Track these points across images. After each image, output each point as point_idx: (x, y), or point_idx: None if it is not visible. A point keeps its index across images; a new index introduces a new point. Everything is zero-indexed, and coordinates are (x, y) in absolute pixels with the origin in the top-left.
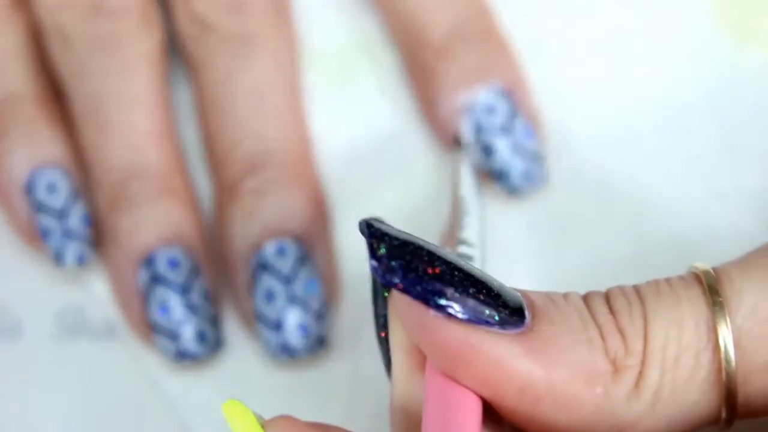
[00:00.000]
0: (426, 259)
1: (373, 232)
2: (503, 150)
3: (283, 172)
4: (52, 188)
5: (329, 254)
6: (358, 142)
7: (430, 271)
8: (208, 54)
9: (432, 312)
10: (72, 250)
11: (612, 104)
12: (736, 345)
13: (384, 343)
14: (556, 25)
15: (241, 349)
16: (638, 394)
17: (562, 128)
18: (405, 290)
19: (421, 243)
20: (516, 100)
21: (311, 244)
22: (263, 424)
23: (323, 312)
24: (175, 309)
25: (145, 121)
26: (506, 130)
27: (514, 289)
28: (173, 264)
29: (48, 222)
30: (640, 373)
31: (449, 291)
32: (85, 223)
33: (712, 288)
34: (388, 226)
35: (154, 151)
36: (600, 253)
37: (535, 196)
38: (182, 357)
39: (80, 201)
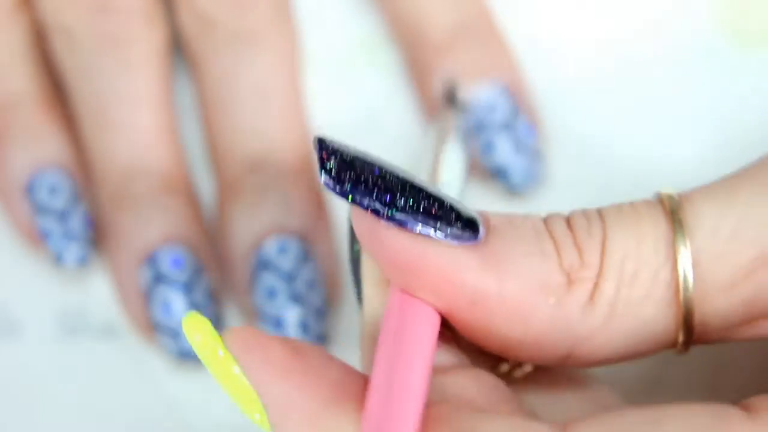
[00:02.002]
0: (377, 172)
1: (324, 146)
2: (504, 148)
3: (284, 170)
4: (53, 190)
5: (330, 252)
6: (359, 140)
7: (380, 183)
8: (210, 51)
9: (383, 222)
10: (72, 252)
11: (611, 104)
12: (695, 265)
13: (356, 277)
14: (554, 25)
15: None
16: (593, 306)
17: (562, 127)
18: (355, 201)
19: (373, 158)
20: (516, 99)
21: (312, 242)
22: (222, 334)
23: (324, 310)
24: (177, 308)
25: (149, 119)
26: (507, 127)
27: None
28: (176, 263)
29: (48, 223)
30: (596, 285)
31: (399, 202)
32: (86, 224)
33: (674, 209)
34: (341, 143)
35: (157, 149)
36: None
37: (536, 194)
38: (184, 356)
39: (81, 202)
